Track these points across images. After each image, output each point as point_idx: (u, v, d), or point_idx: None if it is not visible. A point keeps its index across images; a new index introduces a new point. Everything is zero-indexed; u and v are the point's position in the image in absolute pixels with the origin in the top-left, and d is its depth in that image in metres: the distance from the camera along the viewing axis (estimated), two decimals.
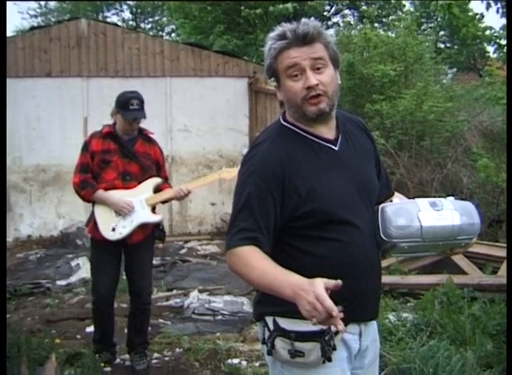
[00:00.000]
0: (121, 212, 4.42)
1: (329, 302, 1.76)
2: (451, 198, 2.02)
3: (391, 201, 2.17)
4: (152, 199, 4.49)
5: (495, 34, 6.63)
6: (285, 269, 1.95)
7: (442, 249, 2.05)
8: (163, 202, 4.65)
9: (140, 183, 4.49)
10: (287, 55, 2.04)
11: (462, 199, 2.09)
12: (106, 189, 4.47)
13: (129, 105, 4.44)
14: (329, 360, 2.03)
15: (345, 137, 2.18)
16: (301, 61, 2.02)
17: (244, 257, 2.01)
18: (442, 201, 1.97)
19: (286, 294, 1.89)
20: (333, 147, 2.13)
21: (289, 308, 2.03)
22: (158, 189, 4.55)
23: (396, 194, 2.38)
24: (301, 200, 2.03)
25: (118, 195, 4.45)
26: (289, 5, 15.55)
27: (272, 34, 2.08)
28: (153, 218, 4.53)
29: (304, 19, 2.06)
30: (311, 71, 2.03)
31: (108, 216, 4.47)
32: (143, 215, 4.46)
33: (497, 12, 7.21)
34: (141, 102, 4.49)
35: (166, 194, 4.51)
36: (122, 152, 4.48)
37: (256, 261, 1.99)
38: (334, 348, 2.03)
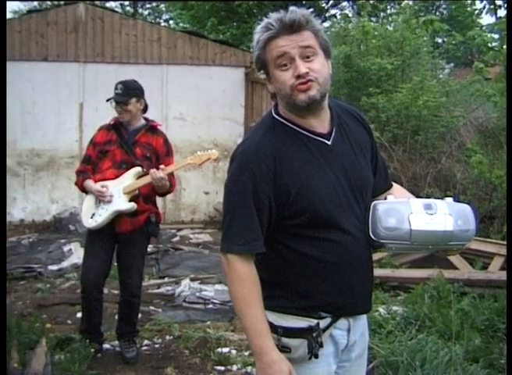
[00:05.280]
0: (98, 197, 4.48)
1: None
2: (449, 199, 1.94)
3: (385, 198, 2.09)
4: (128, 187, 4.46)
5: (483, 39, 6.61)
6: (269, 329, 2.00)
7: (434, 251, 2.01)
8: (160, 195, 4.65)
9: None
10: (275, 45, 1.97)
11: (457, 198, 2.04)
12: (101, 179, 4.50)
13: (114, 91, 4.52)
14: (316, 357, 2.02)
15: (339, 130, 2.10)
16: (290, 50, 1.94)
17: (243, 287, 2.00)
18: (437, 204, 1.88)
19: (256, 353, 1.99)
20: (326, 141, 2.06)
21: (279, 303, 2.05)
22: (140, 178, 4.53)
23: (395, 186, 2.31)
24: (291, 198, 1.97)
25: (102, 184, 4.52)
26: None
27: (258, 27, 2.03)
28: (125, 206, 4.47)
29: (291, 7, 1.97)
30: (300, 59, 1.94)
31: (90, 205, 4.56)
32: (117, 203, 4.46)
33: (483, 8, 7.21)
34: (126, 88, 4.50)
35: (141, 181, 4.45)
36: (120, 142, 4.52)
37: (253, 300, 1.99)
38: (321, 345, 2.02)
